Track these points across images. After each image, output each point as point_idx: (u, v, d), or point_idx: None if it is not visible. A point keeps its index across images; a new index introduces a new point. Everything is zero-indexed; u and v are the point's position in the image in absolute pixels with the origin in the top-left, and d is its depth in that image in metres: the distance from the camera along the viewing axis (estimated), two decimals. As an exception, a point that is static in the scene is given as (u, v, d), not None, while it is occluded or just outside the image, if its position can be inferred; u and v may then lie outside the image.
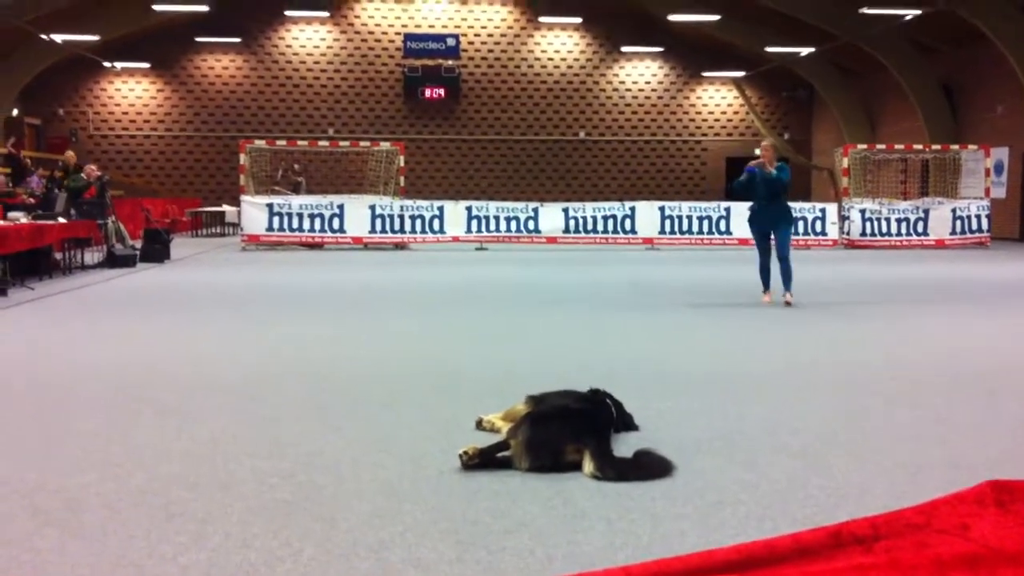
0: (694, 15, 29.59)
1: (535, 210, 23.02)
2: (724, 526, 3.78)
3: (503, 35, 35.96)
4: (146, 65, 34.13)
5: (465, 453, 4.53)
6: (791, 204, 12.45)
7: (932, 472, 4.50)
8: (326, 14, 33.75)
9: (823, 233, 23.26)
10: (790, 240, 11.46)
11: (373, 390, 6.41)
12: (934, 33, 27.61)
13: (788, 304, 11.05)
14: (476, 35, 35.82)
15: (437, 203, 23.19)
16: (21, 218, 14.91)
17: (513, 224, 22.75)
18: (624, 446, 4.92)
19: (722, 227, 23.05)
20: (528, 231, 22.80)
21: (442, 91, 35.39)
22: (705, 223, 23.07)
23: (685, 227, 23.04)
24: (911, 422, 5.49)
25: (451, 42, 35.50)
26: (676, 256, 20.43)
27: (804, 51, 31.18)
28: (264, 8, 34.14)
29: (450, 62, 35.49)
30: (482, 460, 4.52)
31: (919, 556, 1.56)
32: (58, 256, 15.93)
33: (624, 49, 35.80)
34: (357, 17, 35.37)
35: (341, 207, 22.46)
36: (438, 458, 4.72)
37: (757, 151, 12.14)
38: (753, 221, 11.64)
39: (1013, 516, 1.65)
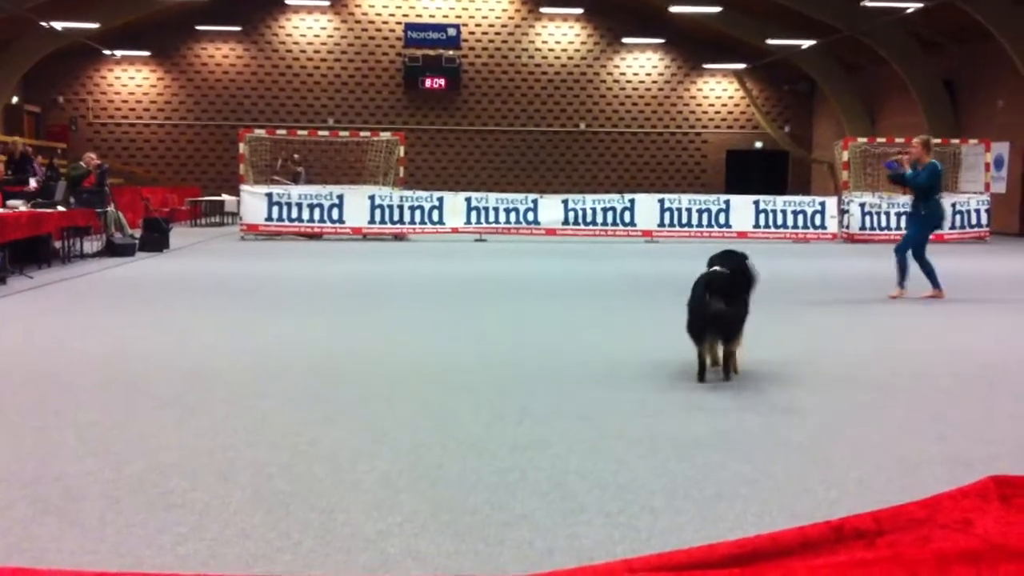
0: (695, 7, 29.50)
1: (535, 202, 22.96)
2: (722, 520, 3.78)
3: (504, 25, 35.88)
4: (146, 53, 34.04)
5: None
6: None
7: (931, 467, 4.50)
8: (326, 3, 33.68)
9: (822, 227, 23.23)
10: (910, 239, 11.63)
11: (371, 382, 6.40)
12: (936, 27, 27.57)
13: (892, 298, 11.30)
14: (477, 25, 35.74)
15: (437, 194, 23.14)
16: (20, 206, 14.89)
17: (512, 215, 22.69)
18: (625, 441, 4.92)
19: (722, 220, 23.00)
20: (527, 223, 22.75)
21: (442, 81, 35.31)
22: (705, 216, 23.01)
23: (685, 220, 22.98)
24: (910, 417, 5.49)
25: (452, 32, 35.41)
26: (675, 249, 20.40)
27: (805, 44, 31.12)
28: (264, -4, 34.06)
29: (451, 52, 35.40)
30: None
31: (922, 551, 1.56)
32: (57, 245, 15.90)
33: (625, 40, 35.72)
34: (358, 6, 35.27)
35: (340, 197, 22.41)
36: (436, 450, 4.72)
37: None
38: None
39: (1016, 511, 1.64)
